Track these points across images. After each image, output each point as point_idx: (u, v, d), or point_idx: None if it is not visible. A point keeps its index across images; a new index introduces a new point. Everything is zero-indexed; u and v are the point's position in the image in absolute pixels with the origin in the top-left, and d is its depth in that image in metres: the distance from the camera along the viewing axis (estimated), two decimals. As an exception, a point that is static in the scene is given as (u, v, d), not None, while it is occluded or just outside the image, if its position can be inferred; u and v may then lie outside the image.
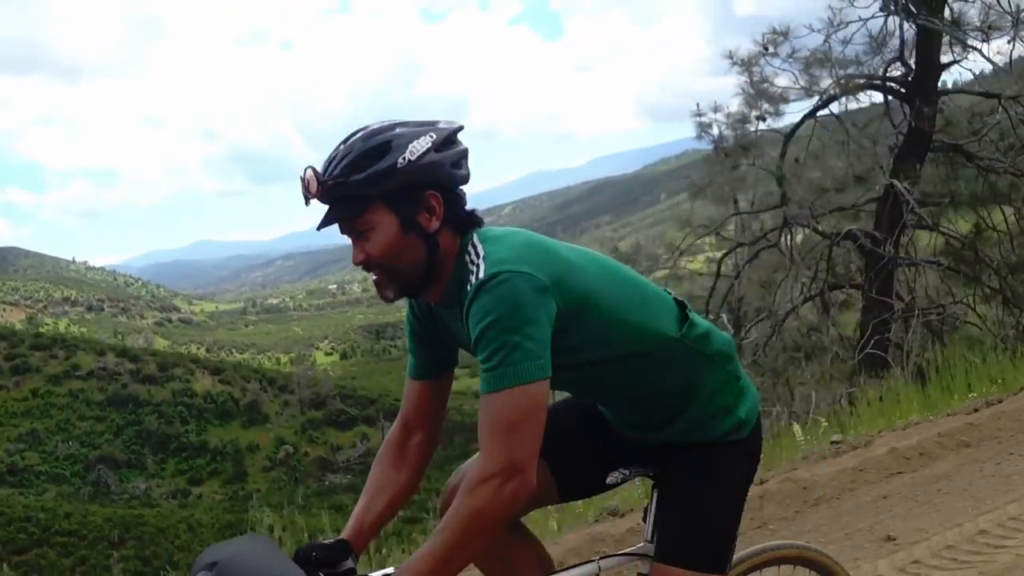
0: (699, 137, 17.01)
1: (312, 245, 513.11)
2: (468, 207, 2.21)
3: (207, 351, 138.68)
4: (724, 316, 14.21)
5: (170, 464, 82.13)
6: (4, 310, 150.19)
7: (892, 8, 12.81)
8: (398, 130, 2.13)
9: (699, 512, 2.36)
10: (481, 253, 2.10)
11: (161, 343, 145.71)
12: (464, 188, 2.20)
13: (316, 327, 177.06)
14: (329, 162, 2.12)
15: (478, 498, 1.96)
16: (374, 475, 2.47)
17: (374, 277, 2.18)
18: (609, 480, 2.45)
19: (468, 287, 2.07)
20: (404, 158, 2.08)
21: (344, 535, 2.38)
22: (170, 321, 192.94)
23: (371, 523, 2.42)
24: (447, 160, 2.14)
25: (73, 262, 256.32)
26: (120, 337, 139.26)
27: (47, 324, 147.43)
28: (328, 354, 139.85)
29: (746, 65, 14.24)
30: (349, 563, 2.31)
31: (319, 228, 2.19)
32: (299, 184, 2.09)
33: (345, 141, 2.15)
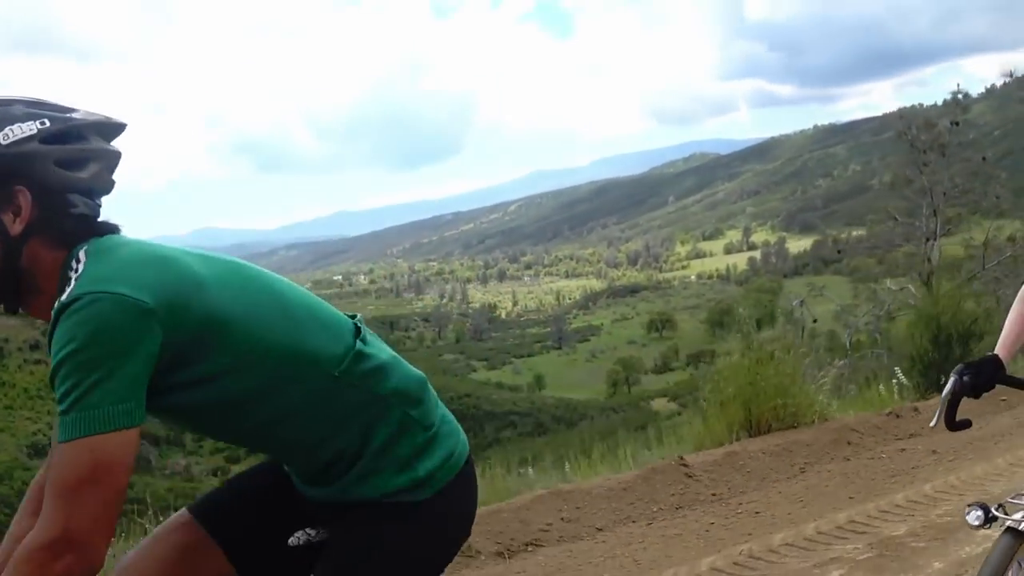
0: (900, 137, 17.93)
1: (315, 235, 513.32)
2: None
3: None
4: None
5: (207, 443, 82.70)
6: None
7: None
8: (3, 108, 1.79)
9: None
10: (80, 269, 1.77)
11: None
12: (83, 195, 1.86)
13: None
14: None
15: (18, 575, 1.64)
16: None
17: None
18: (291, 541, 2.12)
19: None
20: None
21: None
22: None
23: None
24: (54, 156, 1.81)
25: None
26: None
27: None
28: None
29: None
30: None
31: None
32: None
33: None
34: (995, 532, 2.54)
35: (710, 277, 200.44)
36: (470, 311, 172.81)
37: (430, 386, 2.09)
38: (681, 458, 6.95)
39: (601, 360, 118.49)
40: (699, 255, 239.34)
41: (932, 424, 2.73)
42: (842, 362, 10.58)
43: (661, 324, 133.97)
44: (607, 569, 5.34)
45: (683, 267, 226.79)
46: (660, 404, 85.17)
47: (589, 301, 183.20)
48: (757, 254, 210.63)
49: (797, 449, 7.33)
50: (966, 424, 2.76)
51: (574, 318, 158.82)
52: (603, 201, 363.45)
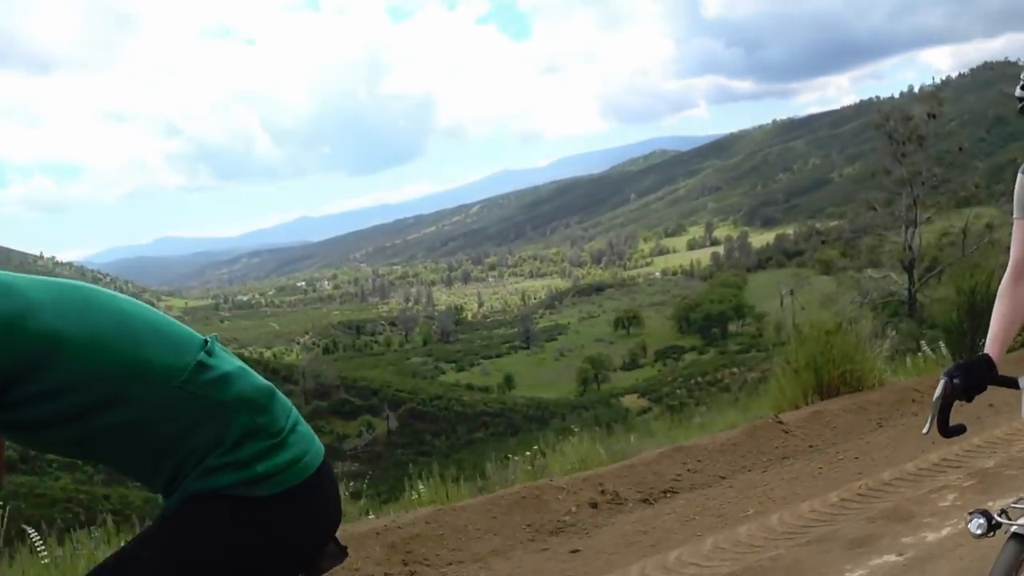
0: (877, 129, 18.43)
1: (278, 242, 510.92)
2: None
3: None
4: None
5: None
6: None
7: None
8: None
9: (122, 551, 2.12)
10: None
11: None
12: None
13: (292, 323, 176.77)
14: None
15: None
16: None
17: None
18: None
19: None
20: None
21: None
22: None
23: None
24: None
25: (41, 257, 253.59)
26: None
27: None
28: (309, 348, 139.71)
29: None
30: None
31: None
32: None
33: None
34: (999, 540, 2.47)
35: (674, 273, 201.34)
36: (436, 314, 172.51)
37: (280, 396, 2.16)
38: (777, 417, 7.95)
39: (569, 359, 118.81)
40: (662, 252, 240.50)
41: (925, 431, 2.62)
42: (892, 332, 11.08)
43: (628, 321, 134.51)
44: (744, 508, 6.19)
45: (647, 264, 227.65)
46: (630, 400, 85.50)
47: (555, 300, 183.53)
48: (720, 249, 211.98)
49: (870, 407, 8.27)
50: (960, 429, 2.68)
51: (540, 318, 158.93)
52: (565, 200, 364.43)
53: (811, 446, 7.46)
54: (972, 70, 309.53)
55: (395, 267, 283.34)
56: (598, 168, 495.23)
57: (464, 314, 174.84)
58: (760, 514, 5.98)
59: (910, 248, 25.38)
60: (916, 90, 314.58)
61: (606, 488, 6.39)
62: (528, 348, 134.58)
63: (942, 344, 11.46)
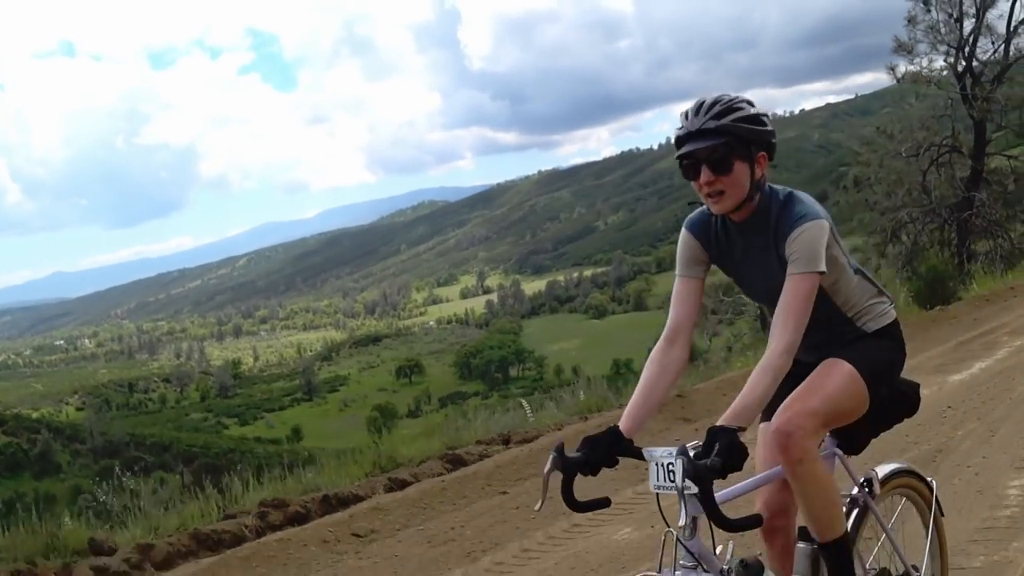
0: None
1: (31, 299, 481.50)
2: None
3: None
4: None
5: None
6: None
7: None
8: None
9: None
10: None
11: None
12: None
13: (56, 383, 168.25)
14: None
15: None
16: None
17: None
18: None
19: None
20: None
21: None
22: None
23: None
24: None
25: None
26: None
27: None
28: (79, 409, 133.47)
29: None
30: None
31: None
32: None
33: None
34: None
35: (449, 322, 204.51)
36: (211, 369, 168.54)
37: None
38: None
39: (354, 408, 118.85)
40: (436, 301, 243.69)
41: (537, 508, 2.73)
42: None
43: (410, 370, 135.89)
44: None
45: (421, 313, 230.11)
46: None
47: (332, 352, 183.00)
48: (494, 297, 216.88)
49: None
50: (603, 503, 2.76)
51: (319, 369, 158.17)
52: (335, 251, 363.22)
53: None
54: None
55: (160, 323, 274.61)
56: (366, 219, 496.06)
57: (241, 368, 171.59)
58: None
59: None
60: (673, 142, 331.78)
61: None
62: (311, 400, 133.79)
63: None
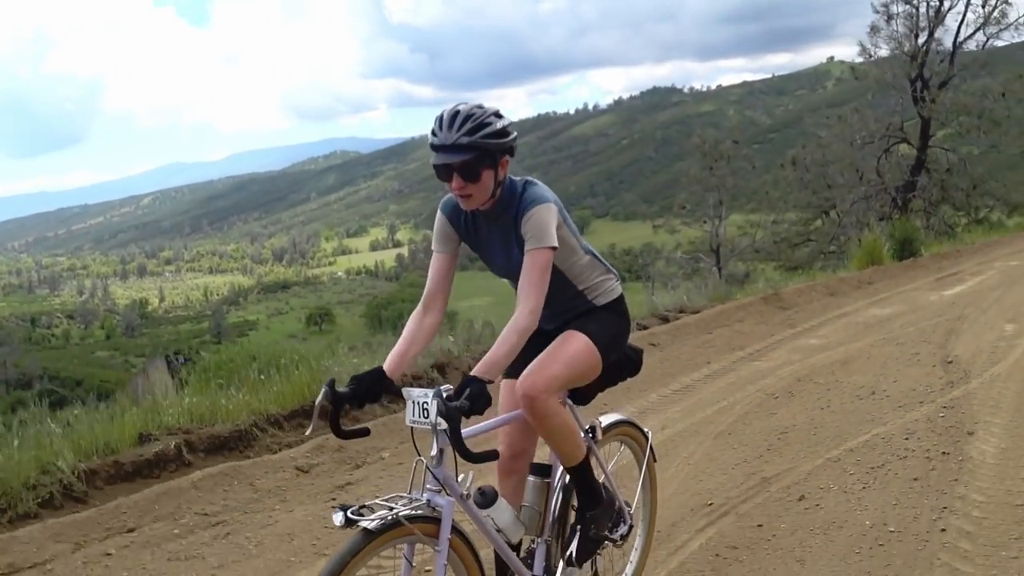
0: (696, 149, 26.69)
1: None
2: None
3: None
4: None
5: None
6: None
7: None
8: None
9: None
10: None
11: None
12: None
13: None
14: None
15: None
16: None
17: None
18: None
19: None
20: None
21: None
22: None
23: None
24: None
25: None
26: None
27: None
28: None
29: None
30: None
31: None
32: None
33: None
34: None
35: (359, 273, 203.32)
36: (116, 307, 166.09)
37: None
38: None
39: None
40: (345, 252, 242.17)
41: (307, 433, 3.38)
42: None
43: (320, 318, 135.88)
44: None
45: (330, 263, 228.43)
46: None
47: (239, 296, 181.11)
48: (404, 251, 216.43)
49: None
50: (362, 432, 3.21)
51: (227, 313, 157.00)
52: (243, 196, 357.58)
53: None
54: (642, 93, 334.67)
55: (60, 258, 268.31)
56: (276, 165, 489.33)
57: (147, 309, 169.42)
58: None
59: (717, 235, 32.37)
60: (590, 108, 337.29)
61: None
62: (220, 343, 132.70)
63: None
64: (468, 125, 3.07)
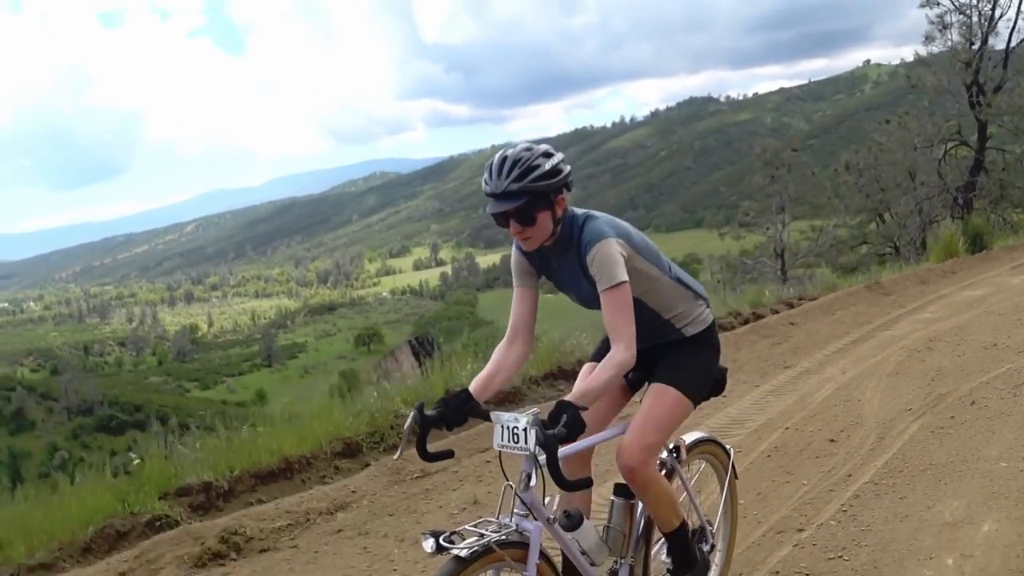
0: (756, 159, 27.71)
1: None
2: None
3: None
4: None
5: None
6: None
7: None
8: None
9: None
10: None
11: None
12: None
13: (6, 344, 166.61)
14: None
15: None
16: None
17: None
18: None
19: None
20: None
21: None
22: None
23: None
24: None
25: None
26: None
27: None
28: (34, 371, 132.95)
29: None
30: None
31: None
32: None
33: None
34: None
35: (403, 292, 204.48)
36: (166, 334, 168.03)
37: None
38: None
39: (314, 375, 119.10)
40: (389, 272, 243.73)
41: (396, 457, 3.17)
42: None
43: (368, 338, 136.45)
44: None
45: (375, 284, 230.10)
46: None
47: (287, 319, 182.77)
48: (448, 269, 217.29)
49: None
50: (448, 455, 3.19)
51: (276, 336, 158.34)
52: (285, 220, 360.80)
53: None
54: (678, 103, 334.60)
55: (107, 287, 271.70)
56: (316, 188, 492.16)
57: (197, 334, 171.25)
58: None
59: (781, 239, 32.76)
60: (627, 120, 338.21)
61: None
62: (271, 366, 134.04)
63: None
64: (516, 172, 3.08)
